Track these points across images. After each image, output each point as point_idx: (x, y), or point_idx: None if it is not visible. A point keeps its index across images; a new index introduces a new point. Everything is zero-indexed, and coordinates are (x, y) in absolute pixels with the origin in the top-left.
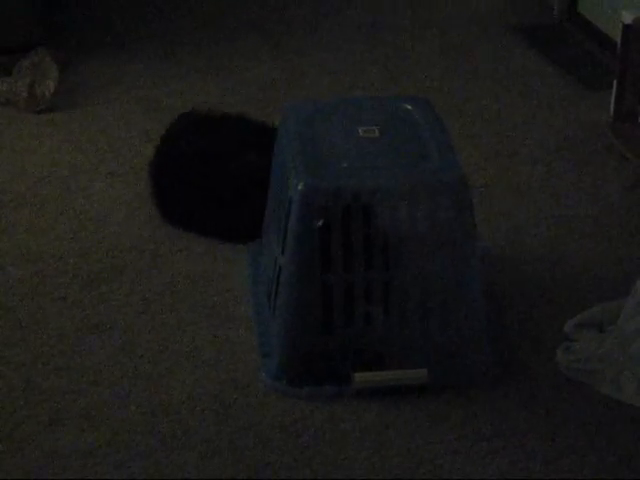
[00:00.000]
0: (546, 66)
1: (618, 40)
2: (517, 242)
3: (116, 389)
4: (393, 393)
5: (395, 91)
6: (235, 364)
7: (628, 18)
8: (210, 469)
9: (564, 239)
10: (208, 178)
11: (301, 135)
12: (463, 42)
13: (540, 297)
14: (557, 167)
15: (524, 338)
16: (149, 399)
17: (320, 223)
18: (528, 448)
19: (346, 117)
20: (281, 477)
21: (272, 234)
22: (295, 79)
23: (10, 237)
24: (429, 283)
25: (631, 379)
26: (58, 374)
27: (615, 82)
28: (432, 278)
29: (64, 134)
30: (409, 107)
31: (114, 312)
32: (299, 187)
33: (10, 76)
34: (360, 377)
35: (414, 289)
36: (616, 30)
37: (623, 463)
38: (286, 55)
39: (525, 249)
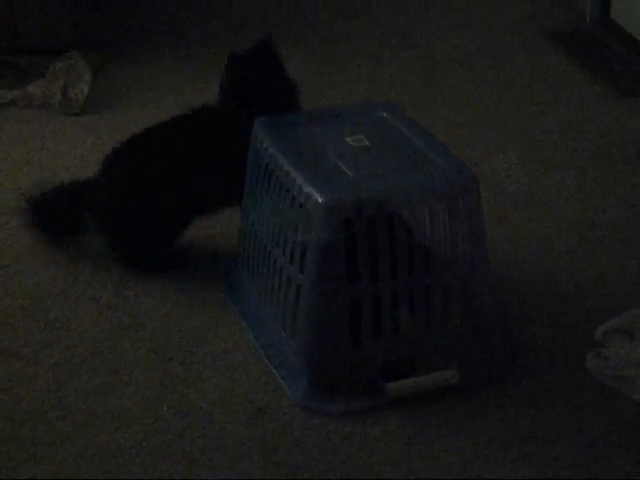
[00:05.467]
0: (578, 72)
1: None
2: (549, 247)
3: (148, 390)
4: (422, 396)
5: (428, 95)
6: (267, 366)
7: None
8: (241, 471)
9: (596, 245)
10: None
11: (290, 148)
12: (495, 47)
13: (571, 302)
14: (590, 173)
15: (554, 344)
16: (180, 400)
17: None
18: (557, 454)
19: (326, 127)
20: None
21: (270, 255)
22: (326, 83)
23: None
24: (449, 282)
25: None
26: (90, 375)
27: None
28: (452, 277)
29: (97, 137)
30: (383, 114)
31: (146, 314)
32: (320, 200)
33: (44, 79)
34: (393, 386)
35: (437, 290)
36: None
37: None
38: (317, 60)
39: (556, 254)
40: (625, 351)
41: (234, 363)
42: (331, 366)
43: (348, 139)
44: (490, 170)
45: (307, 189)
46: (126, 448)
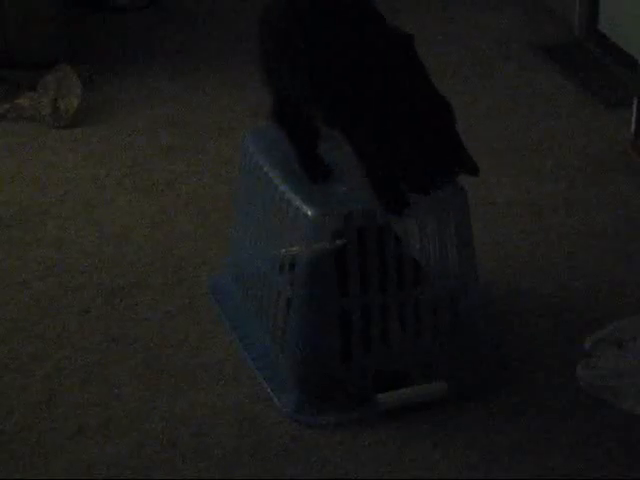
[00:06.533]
0: (566, 84)
1: (638, 58)
2: (538, 258)
3: (138, 402)
4: (412, 407)
5: None
6: (257, 378)
7: None
8: None
9: (585, 255)
10: None
11: (279, 161)
12: (483, 59)
13: (560, 313)
14: (578, 184)
15: (544, 354)
16: (171, 412)
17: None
18: (549, 463)
19: None
20: None
21: (260, 267)
22: None
23: (34, 251)
24: (438, 294)
25: None
26: (81, 387)
27: (635, 100)
28: (441, 289)
29: (87, 149)
30: None
31: (136, 326)
32: (309, 213)
33: (34, 92)
34: (383, 398)
35: (426, 302)
36: (636, 48)
37: None
38: None
39: (546, 265)
40: (614, 361)
41: (225, 375)
42: (321, 378)
43: (338, 152)
44: (479, 181)
45: (296, 202)
46: (117, 460)
